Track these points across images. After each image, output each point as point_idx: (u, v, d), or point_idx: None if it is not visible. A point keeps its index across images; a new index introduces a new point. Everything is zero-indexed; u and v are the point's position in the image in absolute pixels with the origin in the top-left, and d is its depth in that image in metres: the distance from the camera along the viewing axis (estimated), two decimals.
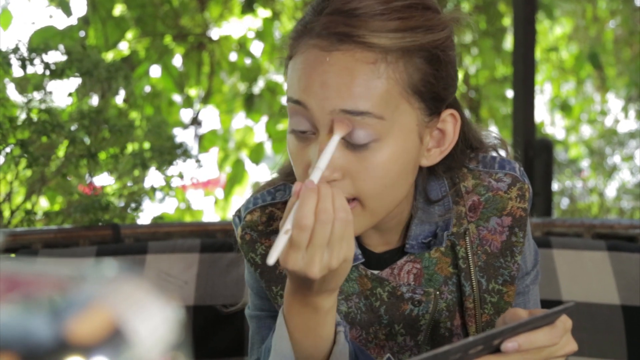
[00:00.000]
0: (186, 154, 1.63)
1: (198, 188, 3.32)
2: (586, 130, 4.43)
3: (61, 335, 0.25)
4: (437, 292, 0.88)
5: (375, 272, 0.89)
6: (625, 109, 4.26)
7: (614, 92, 4.39)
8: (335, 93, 0.75)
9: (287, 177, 0.92)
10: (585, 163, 4.13)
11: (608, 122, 4.31)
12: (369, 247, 0.90)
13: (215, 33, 3.03)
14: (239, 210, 0.92)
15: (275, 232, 0.90)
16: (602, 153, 3.91)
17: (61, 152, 1.56)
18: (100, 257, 1.27)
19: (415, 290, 0.88)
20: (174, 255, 1.29)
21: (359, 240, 0.89)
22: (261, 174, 3.37)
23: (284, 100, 0.86)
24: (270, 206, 0.90)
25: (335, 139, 0.74)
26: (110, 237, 1.35)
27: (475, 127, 0.92)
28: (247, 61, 3.14)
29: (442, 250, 0.89)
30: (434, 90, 0.79)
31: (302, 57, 0.77)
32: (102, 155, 1.57)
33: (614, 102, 4.43)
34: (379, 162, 0.76)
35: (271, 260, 0.69)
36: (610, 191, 3.89)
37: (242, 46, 3.11)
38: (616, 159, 3.94)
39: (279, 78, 3.25)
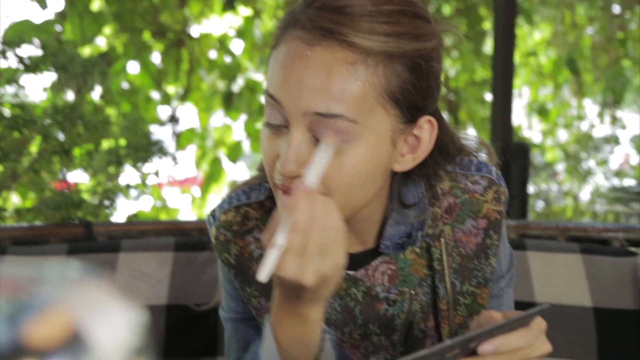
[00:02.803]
0: (162, 151, 1.61)
1: (175, 186, 3.29)
2: (562, 135, 4.48)
3: (17, 340, 0.24)
4: (412, 292, 0.88)
5: (350, 272, 0.88)
6: (600, 115, 4.32)
7: (591, 97, 4.45)
8: (311, 93, 0.74)
9: (265, 175, 0.92)
10: (560, 167, 4.18)
11: (584, 127, 4.36)
12: None
13: (195, 30, 3.01)
14: (213, 210, 0.92)
15: (250, 231, 0.89)
16: (577, 157, 3.96)
17: (34, 147, 1.53)
18: (72, 255, 1.25)
19: (390, 290, 0.88)
20: (147, 254, 1.27)
21: None
22: (239, 172, 3.35)
23: (263, 99, 0.84)
24: (245, 206, 0.90)
25: (325, 150, 0.73)
26: (83, 235, 1.33)
27: (456, 133, 0.92)
28: (227, 59, 3.12)
29: (417, 252, 0.89)
30: (412, 99, 0.78)
31: (284, 48, 0.77)
32: (77, 152, 1.54)
33: (590, 108, 4.49)
34: (347, 163, 0.75)
35: (262, 276, 0.67)
36: (585, 195, 3.95)
37: (222, 44, 3.10)
38: (591, 163, 3.99)
39: (258, 77, 3.24)
